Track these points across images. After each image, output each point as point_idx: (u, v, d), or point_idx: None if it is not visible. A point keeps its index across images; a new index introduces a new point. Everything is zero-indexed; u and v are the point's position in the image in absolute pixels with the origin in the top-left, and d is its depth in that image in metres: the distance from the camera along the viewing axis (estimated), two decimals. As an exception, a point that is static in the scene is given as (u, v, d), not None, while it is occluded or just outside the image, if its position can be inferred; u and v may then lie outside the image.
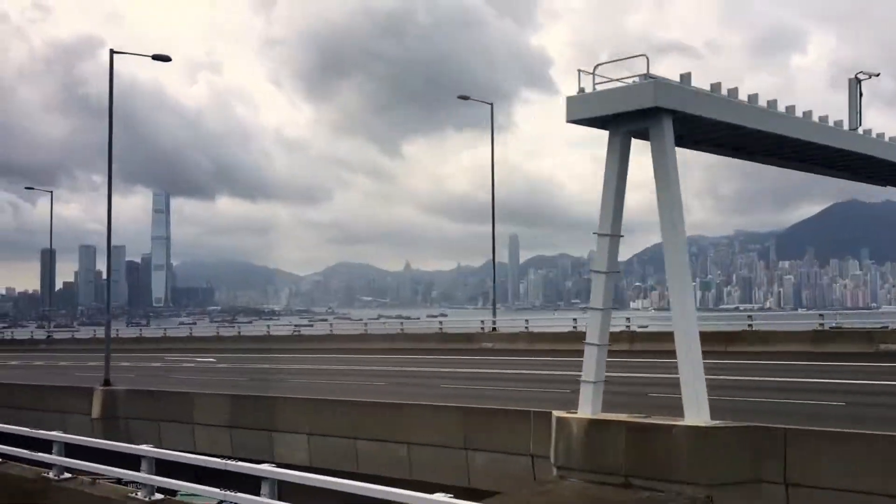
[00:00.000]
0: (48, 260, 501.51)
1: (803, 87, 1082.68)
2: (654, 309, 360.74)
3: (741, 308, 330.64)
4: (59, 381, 32.84)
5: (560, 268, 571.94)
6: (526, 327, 38.96)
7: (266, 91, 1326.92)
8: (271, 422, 22.08)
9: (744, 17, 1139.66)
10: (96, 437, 21.60)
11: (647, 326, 38.35)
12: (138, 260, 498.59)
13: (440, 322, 48.63)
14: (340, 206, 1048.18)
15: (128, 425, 25.81)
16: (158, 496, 14.22)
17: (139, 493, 14.41)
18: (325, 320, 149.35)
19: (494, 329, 40.12)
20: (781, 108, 16.56)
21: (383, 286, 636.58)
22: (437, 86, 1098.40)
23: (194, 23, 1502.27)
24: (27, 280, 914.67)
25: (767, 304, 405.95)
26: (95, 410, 26.28)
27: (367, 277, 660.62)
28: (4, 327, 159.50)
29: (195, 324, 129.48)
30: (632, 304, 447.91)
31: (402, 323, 49.31)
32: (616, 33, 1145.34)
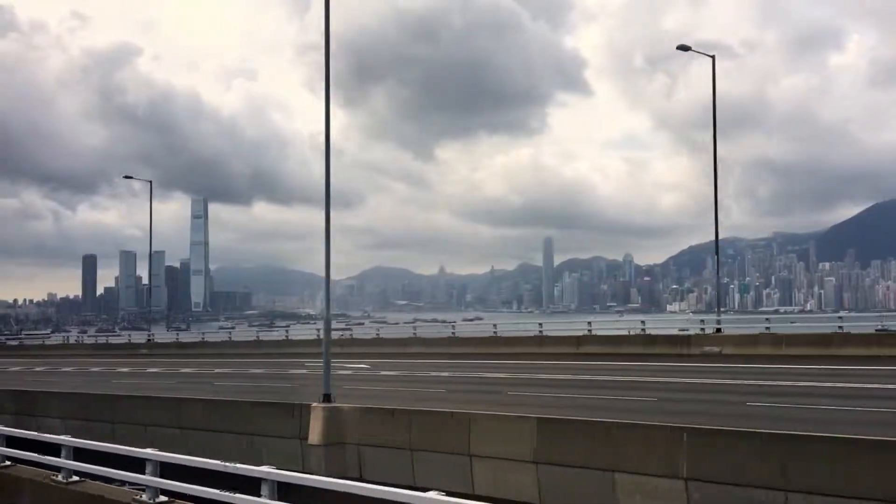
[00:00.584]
0: (89, 265, 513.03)
1: (842, 85, 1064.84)
2: (692, 312, 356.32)
3: (781, 310, 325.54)
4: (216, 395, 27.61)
5: (595, 270, 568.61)
6: (767, 328, 32.96)
7: (300, 97, 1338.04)
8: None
9: (780, 16, 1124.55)
10: (315, 468, 19.28)
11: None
12: (177, 265, 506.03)
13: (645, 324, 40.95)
14: (374, 210, 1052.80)
15: (360, 454, 19.76)
16: (163, 499, 14.44)
17: (144, 496, 14.58)
18: (362, 324, 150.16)
19: (719, 330, 34.62)
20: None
21: (418, 290, 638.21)
22: (470, 90, 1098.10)
23: (229, 30, 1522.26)
24: (68, 285, 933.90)
25: (808, 307, 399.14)
26: (315, 434, 20.14)
27: (401, 281, 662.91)
28: (65, 332, 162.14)
29: (234, 328, 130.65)
30: (668, 307, 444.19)
31: (540, 325, 41.67)
32: (651, 34, 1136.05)
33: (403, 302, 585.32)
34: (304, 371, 34.22)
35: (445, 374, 30.36)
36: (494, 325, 43.83)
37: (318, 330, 63.52)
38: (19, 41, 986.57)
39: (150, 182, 67.55)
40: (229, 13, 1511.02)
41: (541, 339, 39.17)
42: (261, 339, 56.53)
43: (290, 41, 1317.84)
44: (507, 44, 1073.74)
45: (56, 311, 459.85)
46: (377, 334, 49.14)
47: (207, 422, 24.13)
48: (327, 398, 20.58)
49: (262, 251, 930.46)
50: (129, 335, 76.03)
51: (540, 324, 42.50)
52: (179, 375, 37.32)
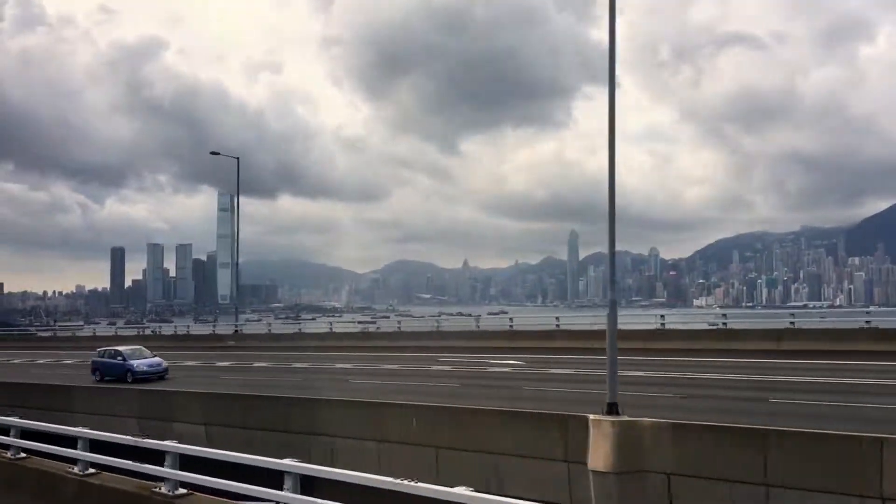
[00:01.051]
0: (118, 258, 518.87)
1: (873, 78, 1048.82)
2: (719, 306, 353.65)
3: (811, 305, 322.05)
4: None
5: (620, 265, 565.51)
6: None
7: (325, 90, 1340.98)
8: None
9: (810, 7, 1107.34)
10: (600, 501, 14.85)
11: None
12: (204, 258, 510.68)
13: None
14: (398, 204, 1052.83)
15: (671, 489, 14.66)
16: (182, 491, 14.23)
17: (162, 488, 14.44)
18: (387, 317, 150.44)
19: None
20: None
21: (441, 284, 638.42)
22: (495, 82, 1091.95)
23: (254, 23, 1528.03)
24: (96, 278, 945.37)
25: (837, 302, 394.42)
26: (598, 457, 14.93)
27: (425, 275, 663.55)
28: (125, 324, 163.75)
29: (260, 320, 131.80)
30: (695, 302, 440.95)
31: (662, 317, 39.20)
32: (678, 25, 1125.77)
33: (427, 295, 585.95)
34: (439, 367, 31.82)
35: (569, 370, 28.65)
36: (557, 319, 42.76)
37: (358, 322, 63.00)
38: (48, 35, 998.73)
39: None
40: (254, 6, 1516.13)
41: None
42: (334, 332, 54.17)
43: (315, 35, 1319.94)
44: (533, 36, 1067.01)
45: (85, 303, 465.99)
46: (437, 326, 47.67)
47: (423, 435, 19.10)
48: (613, 409, 15.54)
49: (286, 244, 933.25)
50: (186, 326, 75.44)
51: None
52: (294, 371, 34.67)
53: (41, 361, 47.67)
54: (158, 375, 34.17)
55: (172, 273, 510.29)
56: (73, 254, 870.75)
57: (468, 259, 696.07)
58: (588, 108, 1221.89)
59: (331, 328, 55.10)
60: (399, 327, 50.20)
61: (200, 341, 55.11)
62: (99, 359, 36.60)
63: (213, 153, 57.22)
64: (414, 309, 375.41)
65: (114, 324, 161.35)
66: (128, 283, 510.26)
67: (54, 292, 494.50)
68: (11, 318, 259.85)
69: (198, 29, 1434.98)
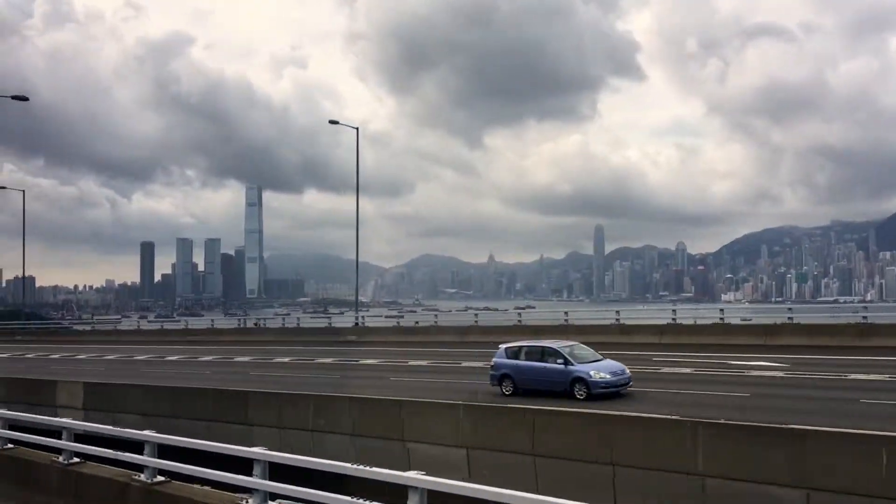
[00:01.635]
0: (147, 252, 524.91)
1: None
2: (748, 302, 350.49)
3: (841, 300, 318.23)
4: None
5: (646, 259, 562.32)
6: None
7: (350, 85, 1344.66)
8: None
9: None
10: None
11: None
12: (232, 252, 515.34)
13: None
14: (423, 198, 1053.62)
15: None
16: (160, 478, 14.75)
17: (142, 476, 14.95)
18: (414, 311, 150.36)
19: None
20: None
21: (467, 278, 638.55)
22: (520, 75, 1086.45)
23: (278, 18, 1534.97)
24: (124, 272, 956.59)
25: (868, 297, 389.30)
26: None
27: (449, 269, 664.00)
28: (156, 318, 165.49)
29: (289, 314, 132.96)
30: (723, 297, 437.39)
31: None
32: (705, 16, 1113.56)
33: (453, 290, 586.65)
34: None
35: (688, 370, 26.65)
36: (618, 313, 40.39)
37: (386, 317, 61.60)
38: (76, 31, 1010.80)
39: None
40: (278, 1, 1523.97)
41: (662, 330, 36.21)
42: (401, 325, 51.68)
43: (340, 30, 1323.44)
44: (559, 28, 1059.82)
45: (115, 297, 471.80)
46: (475, 321, 45.11)
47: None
48: None
49: (311, 239, 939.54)
50: (261, 321, 70.30)
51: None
52: (453, 371, 30.35)
53: (110, 357, 44.41)
54: (619, 388, 22.50)
55: (200, 268, 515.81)
56: (101, 248, 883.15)
57: (493, 253, 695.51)
58: (613, 101, 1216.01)
59: (360, 322, 52.12)
60: (436, 321, 48.01)
61: (317, 335, 49.30)
62: (510, 360, 24.19)
63: (332, 122, 56.02)
64: (440, 303, 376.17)
65: (144, 317, 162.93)
66: (157, 277, 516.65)
67: (85, 286, 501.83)
68: (44, 312, 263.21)
69: (223, 24, 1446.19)
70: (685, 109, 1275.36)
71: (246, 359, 39.07)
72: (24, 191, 70.70)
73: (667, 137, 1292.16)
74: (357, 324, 51.04)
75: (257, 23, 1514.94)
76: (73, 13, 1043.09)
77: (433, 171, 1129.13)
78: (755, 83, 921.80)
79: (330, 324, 53.14)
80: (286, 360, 37.58)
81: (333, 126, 55.41)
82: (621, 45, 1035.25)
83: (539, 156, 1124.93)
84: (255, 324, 64.40)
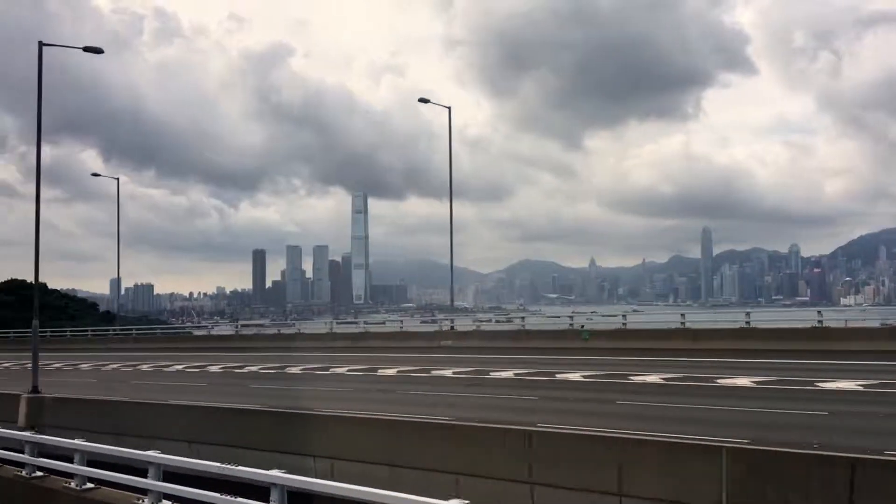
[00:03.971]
0: (259, 259, 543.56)
1: None
2: (871, 305, 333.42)
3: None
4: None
5: (755, 262, 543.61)
6: None
7: (448, 91, 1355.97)
8: None
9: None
10: None
11: None
12: (339, 259, 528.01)
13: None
14: (521, 202, 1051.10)
15: None
16: (90, 485, 14.97)
17: (72, 483, 15.17)
18: (523, 318, 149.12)
19: None
20: None
21: (567, 283, 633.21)
22: (623, 74, 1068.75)
23: (376, 26, 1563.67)
24: (233, 279, 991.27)
25: None
26: None
27: (550, 274, 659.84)
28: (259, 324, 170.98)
29: (402, 321, 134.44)
30: (842, 301, 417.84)
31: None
32: (815, 7, 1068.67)
33: (554, 295, 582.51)
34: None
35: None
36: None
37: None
38: (183, 46, 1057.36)
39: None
40: (375, 10, 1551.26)
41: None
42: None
43: (437, 36, 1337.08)
44: (663, 22, 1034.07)
45: (227, 304, 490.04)
46: (624, 324, 38.36)
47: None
48: None
49: (412, 245, 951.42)
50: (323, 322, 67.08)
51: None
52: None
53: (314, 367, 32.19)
54: None
55: (308, 274, 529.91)
56: (211, 256, 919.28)
57: (594, 258, 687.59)
58: (717, 99, 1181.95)
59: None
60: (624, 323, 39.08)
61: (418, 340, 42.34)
62: None
63: (422, 100, 49.21)
64: (544, 308, 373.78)
65: (261, 324, 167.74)
66: (268, 283, 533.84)
67: (199, 293, 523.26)
68: (163, 318, 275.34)
69: (322, 33, 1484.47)
70: (793, 106, 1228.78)
71: (392, 372, 28.80)
72: (118, 178, 69.53)
73: (774, 135, 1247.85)
74: (452, 328, 44.55)
75: (354, 31, 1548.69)
76: (180, 29, 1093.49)
77: (531, 175, 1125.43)
78: (871, 75, 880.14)
79: (452, 327, 44.69)
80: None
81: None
82: (729, 37, 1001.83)
83: (640, 157, 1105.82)
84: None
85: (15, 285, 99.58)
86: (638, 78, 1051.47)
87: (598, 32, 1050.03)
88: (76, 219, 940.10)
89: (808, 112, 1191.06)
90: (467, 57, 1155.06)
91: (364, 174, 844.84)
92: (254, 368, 33.22)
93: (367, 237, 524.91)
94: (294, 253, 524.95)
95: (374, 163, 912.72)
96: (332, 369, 30.68)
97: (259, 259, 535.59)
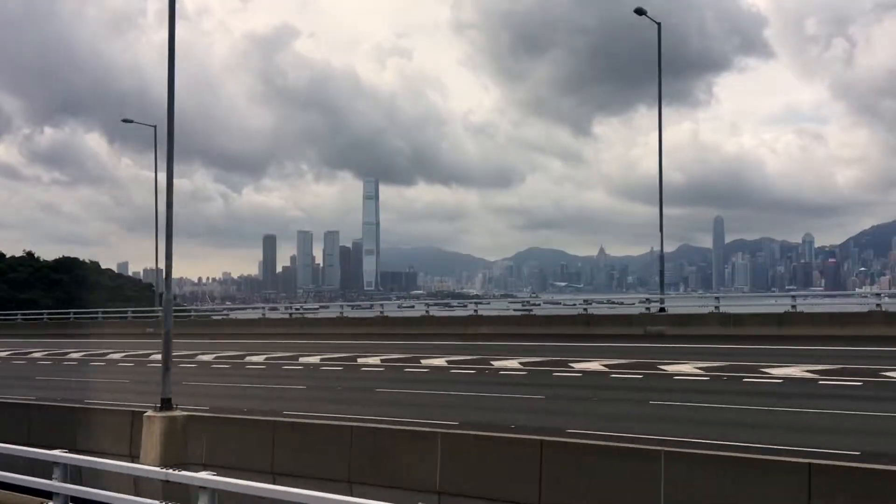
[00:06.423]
0: (269, 245, 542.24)
1: None
2: (888, 296, 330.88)
3: None
4: None
5: (766, 251, 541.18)
6: None
7: (456, 75, 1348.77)
8: None
9: None
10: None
11: None
12: (349, 245, 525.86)
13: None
14: (528, 189, 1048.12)
15: None
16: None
17: None
18: (539, 304, 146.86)
19: None
20: None
21: (575, 271, 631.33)
22: (633, 59, 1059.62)
23: (382, 8, 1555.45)
24: (240, 265, 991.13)
25: None
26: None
27: (558, 262, 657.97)
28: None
29: (413, 307, 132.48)
30: (857, 291, 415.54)
31: None
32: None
33: (562, 283, 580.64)
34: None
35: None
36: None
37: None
38: (188, 28, 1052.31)
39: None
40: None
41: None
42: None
43: (444, 19, 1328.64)
44: (678, 4, 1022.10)
45: (237, 289, 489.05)
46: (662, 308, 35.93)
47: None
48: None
49: (419, 231, 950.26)
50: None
51: None
52: None
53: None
54: None
55: (319, 260, 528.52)
56: (216, 241, 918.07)
57: (603, 246, 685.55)
58: (730, 85, 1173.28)
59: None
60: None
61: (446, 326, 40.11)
62: None
63: (638, 11, 35.29)
64: (552, 297, 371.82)
65: (289, 308, 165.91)
66: (278, 269, 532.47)
67: (208, 278, 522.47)
68: (177, 303, 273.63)
69: (327, 15, 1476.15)
70: (804, 94, 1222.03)
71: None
72: (155, 126, 53.95)
73: (785, 123, 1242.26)
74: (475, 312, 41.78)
75: (360, 13, 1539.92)
76: (183, 10, 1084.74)
77: (538, 161, 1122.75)
78: (886, 62, 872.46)
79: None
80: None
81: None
82: (746, 18, 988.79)
83: (649, 144, 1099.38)
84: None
85: (69, 264, 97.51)
86: (650, 62, 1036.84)
87: (609, 15, 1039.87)
88: (82, 202, 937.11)
89: (821, 100, 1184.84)
90: (476, 40, 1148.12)
91: (372, 158, 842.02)
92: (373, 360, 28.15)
93: (378, 223, 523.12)
94: (305, 238, 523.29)
95: (381, 147, 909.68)
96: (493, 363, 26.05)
97: (269, 245, 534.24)
